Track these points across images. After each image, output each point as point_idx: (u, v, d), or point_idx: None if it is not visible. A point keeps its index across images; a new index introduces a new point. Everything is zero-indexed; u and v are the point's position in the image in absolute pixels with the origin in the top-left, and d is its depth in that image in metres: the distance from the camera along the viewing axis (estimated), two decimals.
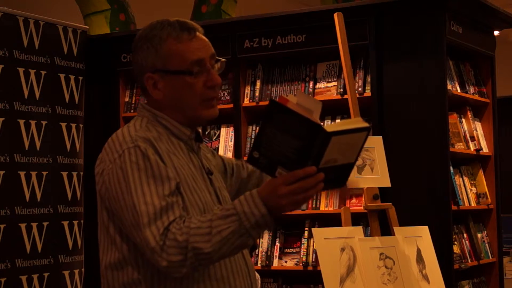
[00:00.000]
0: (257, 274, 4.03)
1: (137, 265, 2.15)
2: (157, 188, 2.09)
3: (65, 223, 5.17)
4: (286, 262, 5.10)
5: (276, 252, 5.12)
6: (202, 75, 2.24)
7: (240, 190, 2.55)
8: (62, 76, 5.26)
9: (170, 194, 2.10)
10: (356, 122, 2.12)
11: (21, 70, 4.97)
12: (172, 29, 2.24)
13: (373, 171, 3.50)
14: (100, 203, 2.21)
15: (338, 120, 5.01)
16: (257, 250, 5.11)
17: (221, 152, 5.28)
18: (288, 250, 5.13)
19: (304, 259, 5.01)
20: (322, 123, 2.05)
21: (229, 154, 5.25)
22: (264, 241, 5.12)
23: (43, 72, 5.11)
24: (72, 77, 5.32)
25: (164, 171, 2.12)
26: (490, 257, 5.22)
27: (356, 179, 3.46)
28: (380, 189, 3.53)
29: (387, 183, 3.55)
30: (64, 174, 5.19)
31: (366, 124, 2.10)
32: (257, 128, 5.22)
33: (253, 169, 2.60)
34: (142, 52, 2.25)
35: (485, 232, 5.28)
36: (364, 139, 2.11)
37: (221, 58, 2.31)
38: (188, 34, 2.24)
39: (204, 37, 2.28)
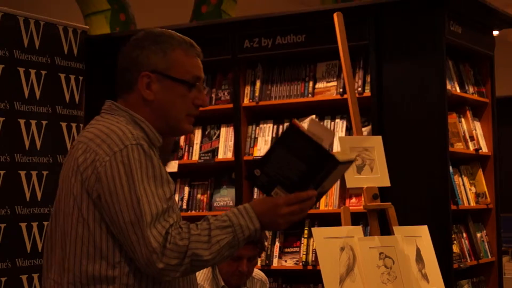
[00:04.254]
0: (264, 277, 4.04)
1: (113, 262, 2.12)
2: (158, 189, 2.10)
3: None
4: (285, 261, 5.11)
5: (276, 252, 5.12)
6: (195, 91, 2.28)
7: None
8: (62, 76, 5.26)
9: (170, 197, 2.12)
10: (346, 154, 2.36)
11: (21, 70, 4.98)
12: (182, 42, 2.29)
13: (372, 171, 3.51)
14: (81, 192, 2.13)
15: (337, 120, 5.01)
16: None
17: (221, 151, 5.29)
18: (288, 250, 5.14)
19: (303, 259, 5.02)
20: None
21: (229, 154, 5.25)
22: None
23: (43, 72, 5.12)
24: (72, 77, 5.33)
25: (165, 173, 2.14)
26: (490, 257, 5.23)
27: (356, 178, 3.47)
28: (380, 188, 3.54)
29: (386, 182, 3.56)
30: None
31: (353, 157, 2.34)
32: (257, 128, 5.23)
33: None
34: (146, 50, 2.26)
35: (485, 231, 5.29)
36: (345, 171, 2.34)
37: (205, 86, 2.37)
38: (193, 52, 2.30)
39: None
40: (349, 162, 2.28)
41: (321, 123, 2.21)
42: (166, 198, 2.10)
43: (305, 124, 2.20)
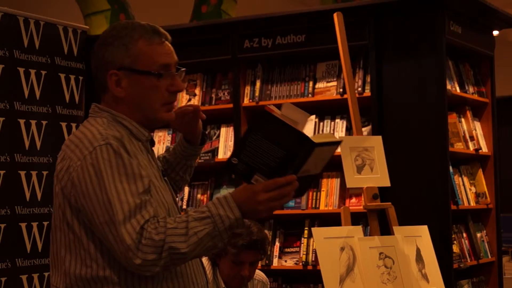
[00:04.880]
0: (265, 277, 4.04)
1: (103, 263, 2.15)
2: (130, 186, 2.11)
3: None
4: (285, 261, 5.11)
5: (276, 252, 5.12)
6: (166, 79, 2.27)
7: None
8: (62, 76, 5.26)
9: (144, 192, 2.12)
10: (329, 136, 2.29)
11: (21, 70, 4.98)
12: (144, 31, 2.27)
13: (372, 171, 3.51)
14: (63, 200, 2.19)
15: (337, 120, 5.02)
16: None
17: (221, 152, 5.29)
18: (288, 250, 5.14)
19: (303, 259, 5.02)
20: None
21: (229, 154, 5.24)
22: None
23: (43, 72, 5.12)
24: (72, 77, 5.33)
25: (137, 169, 2.14)
26: (490, 257, 5.23)
27: (356, 178, 3.47)
28: (380, 188, 3.54)
29: (386, 182, 3.56)
30: None
31: (338, 139, 2.26)
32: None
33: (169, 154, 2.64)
34: (110, 48, 2.26)
35: (485, 231, 5.29)
36: (333, 153, 2.26)
37: (181, 68, 2.34)
38: (159, 39, 2.27)
39: (170, 45, 2.31)
40: (331, 144, 2.22)
41: (297, 107, 2.15)
42: (138, 193, 2.11)
43: (277, 109, 2.14)
